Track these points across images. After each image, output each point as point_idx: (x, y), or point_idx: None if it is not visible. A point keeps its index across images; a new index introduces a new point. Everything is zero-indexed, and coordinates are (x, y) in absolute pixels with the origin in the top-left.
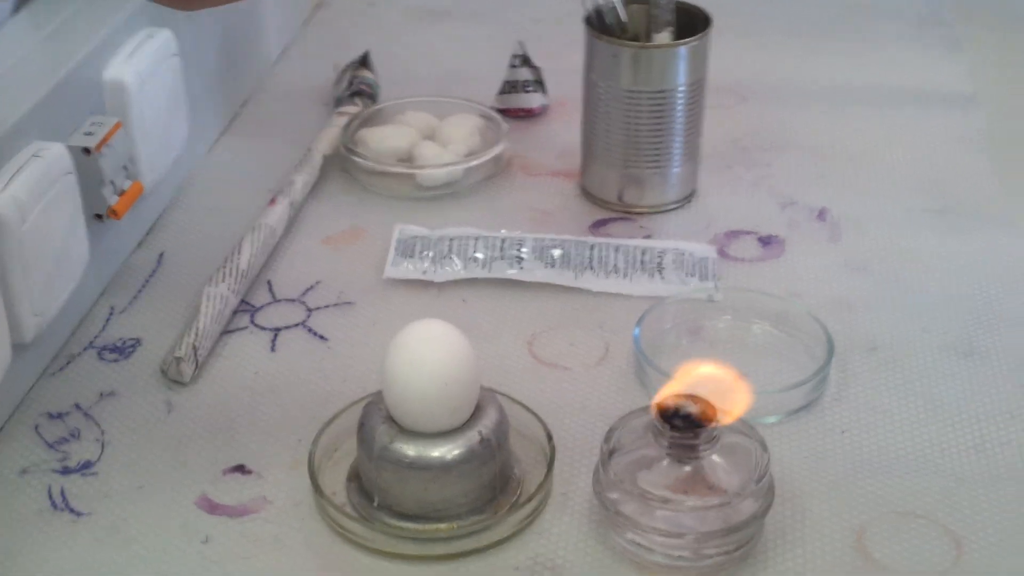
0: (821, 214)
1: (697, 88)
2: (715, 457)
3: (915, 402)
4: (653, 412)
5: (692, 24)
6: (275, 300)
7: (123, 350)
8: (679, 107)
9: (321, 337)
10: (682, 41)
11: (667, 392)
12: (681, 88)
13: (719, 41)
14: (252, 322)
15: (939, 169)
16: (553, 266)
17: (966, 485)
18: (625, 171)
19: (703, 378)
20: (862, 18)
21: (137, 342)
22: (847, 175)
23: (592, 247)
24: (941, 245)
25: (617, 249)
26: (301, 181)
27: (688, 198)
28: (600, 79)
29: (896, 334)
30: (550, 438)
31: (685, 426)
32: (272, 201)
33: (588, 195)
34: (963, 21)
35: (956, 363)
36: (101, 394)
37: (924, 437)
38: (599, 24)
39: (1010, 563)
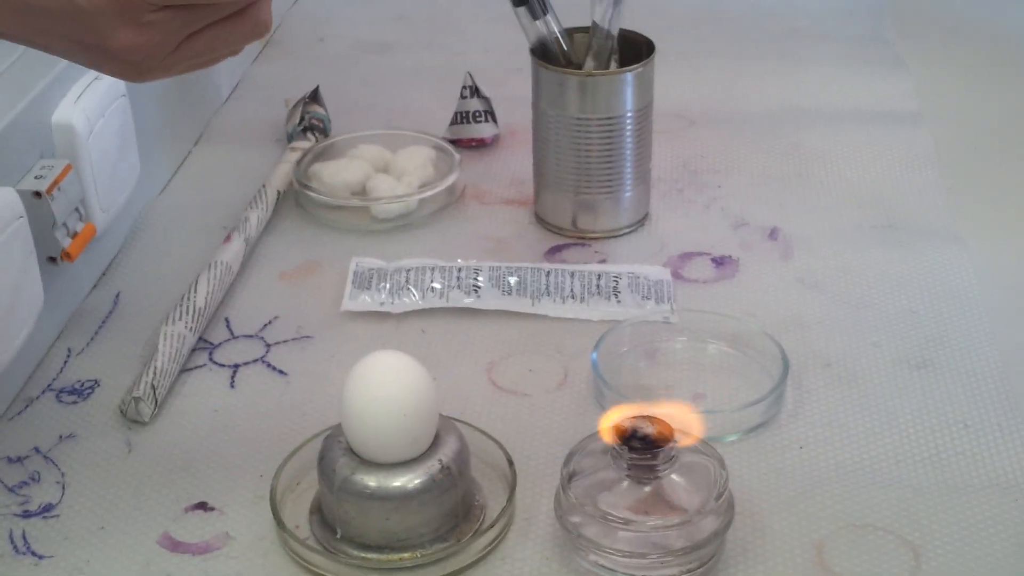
0: (773, 233)
1: (644, 114)
2: (674, 476)
3: (870, 416)
4: (610, 434)
5: (636, 51)
6: (233, 337)
7: (81, 392)
8: (628, 133)
9: (280, 372)
10: (627, 68)
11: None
12: (629, 114)
13: (665, 67)
14: (211, 359)
15: (887, 186)
16: (510, 293)
17: (923, 496)
18: (577, 197)
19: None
20: (807, 39)
21: (95, 383)
22: (797, 194)
23: (548, 273)
24: (891, 261)
25: (573, 275)
26: (255, 217)
27: (641, 222)
28: (549, 108)
29: (849, 349)
30: (511, 464)
31: (643, 447)
32: (227, 238)
33: (542, 222)
34: (906, 39)
35: (909, 376)
36: (60, 436)
37: (880, 450)
38: (543, 54)
39: (967, 571)
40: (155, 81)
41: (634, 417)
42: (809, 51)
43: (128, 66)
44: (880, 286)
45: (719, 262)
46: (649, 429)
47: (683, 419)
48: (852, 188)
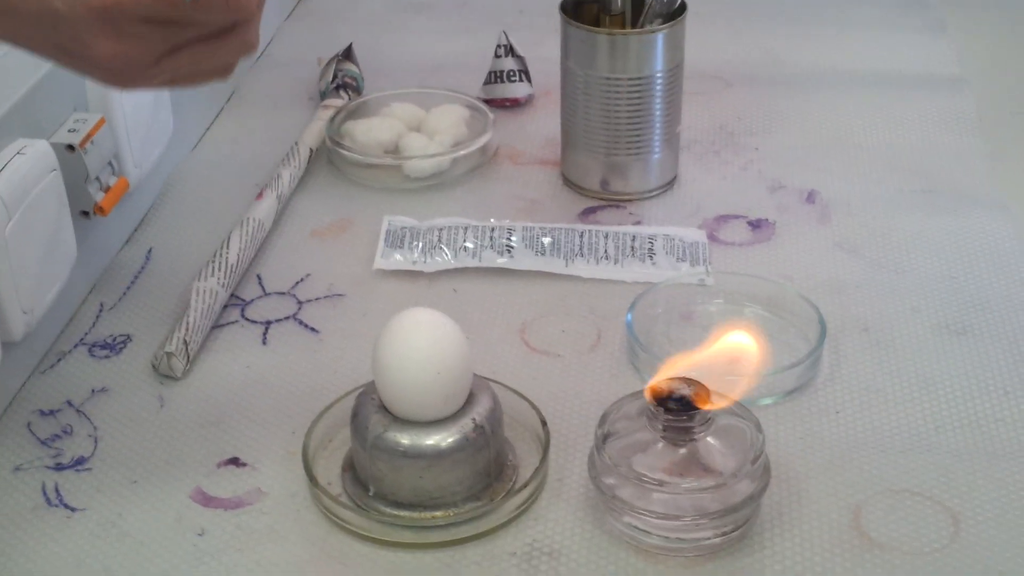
0: (810, 197)
1: (675, 74)
2: (710, 439)
3: (909, 381)
4: (647, 395)
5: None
6: (265, 293)
7: (114, 346)
8: (658, 93)
9: (312, 329)
10: (658, 27)
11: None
12: (659, 74)
13: (702, 27)
14: (243, 316)
15: (927, 150)
16: (543, 254)
17: (962, 462)
18: (606, 159)
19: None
20: (847, 1)
21: (128, 338)
22: (835, 158)
23: (582, 234)
24: (931, 226)
25: (607, 236)
26: (288, 175)
27: (670, 184)
28: (577, 66)
29: (888, 314)
30: (544, 424)
31: (679, 409)
32: (259, 195)
33: (569, 184)
34: (948, 2)
35: (949, 341)
36: (93, 390)
37: (919, 415)
38: (574, 12)
39: (1007, 538)
40: (139, 90)
41: (671, 378)
42: (849, 13)
43: (109, 74)
44: (920, 251)
45: (755, 225)
46: (686, 391)
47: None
48: (892, 152)
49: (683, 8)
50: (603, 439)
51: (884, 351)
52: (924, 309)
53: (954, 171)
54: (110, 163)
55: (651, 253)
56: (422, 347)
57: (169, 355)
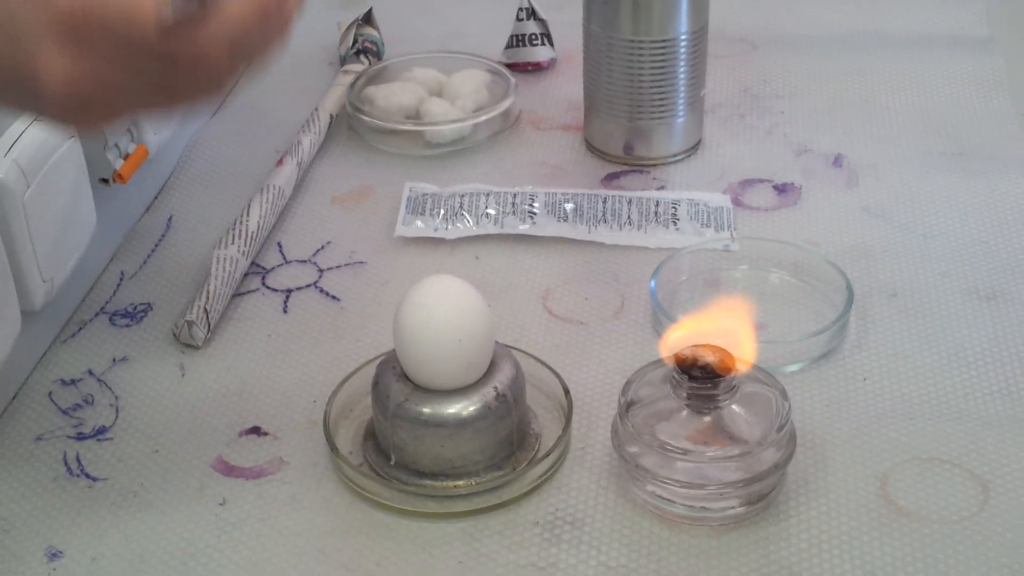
0: (837, 160)
1: (700, 36)
2: (735, 407)
3: (937, 347)
4: (671, 362)
5: None
6: (286, 261)
7: (134, 315)
8: (682, 56)
9: (333, 297)
10: None
11: (675, 337)
12: (683, 36)
13: None
14: (263, 284)
15: (955, 112)
16: (566, 220)
17: (992, 429)
18: (629, 123)
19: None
20: None
21: (148, 307)
22: (862, 120)
23: (605, 200)
24: (960, 189)
25: (630, 201)
26: (308, 141)
27: (694, 148)
28: (600, 29)
29: (916, 279)
30: (567, 392)
31: (703, 376)
32: (279, 162)
33: (592, 149)
34: None
35: (978, 307)
36: (114, 359)
37: (947, 382)
38: None
39: None
40: (99, 127)
41: (695, 346)
42: None
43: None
44: (949, 215)
45: (781, 189)
46: (710, 358)
47: (742, 344)
48: (920, 115)
49: None
50: (626, 407)
51: (912, 317)
52: (953, 274)
53: (984, 133)
54: (128, 130)
55: (675, 219)
56: (444, 315)
57: (190, 324)
